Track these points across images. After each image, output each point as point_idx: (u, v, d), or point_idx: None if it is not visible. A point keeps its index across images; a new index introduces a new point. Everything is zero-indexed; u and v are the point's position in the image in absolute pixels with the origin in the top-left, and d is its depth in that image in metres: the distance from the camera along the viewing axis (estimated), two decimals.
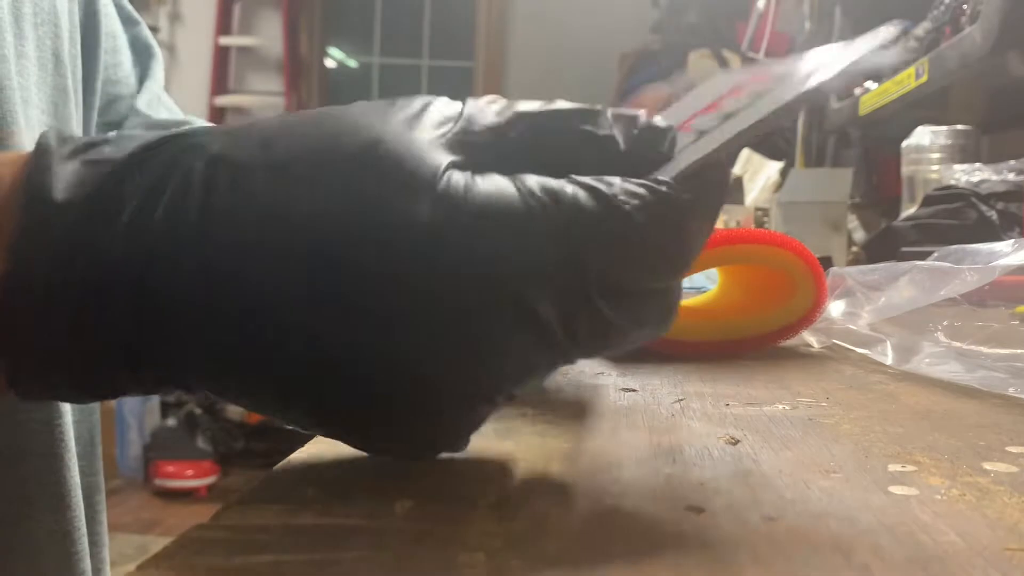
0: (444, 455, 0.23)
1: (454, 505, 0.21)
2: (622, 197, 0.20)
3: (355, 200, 0.20)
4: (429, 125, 0.21)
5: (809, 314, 0.45)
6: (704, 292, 0.52)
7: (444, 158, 0.20)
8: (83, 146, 0.22)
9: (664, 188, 0.21)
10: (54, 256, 0.21)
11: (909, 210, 1.24)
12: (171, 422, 2.86)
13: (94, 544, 0.44)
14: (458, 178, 0.20)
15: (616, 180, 0.21)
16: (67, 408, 0.39)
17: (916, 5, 1.52)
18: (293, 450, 0.25)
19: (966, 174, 1.13)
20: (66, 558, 0.39)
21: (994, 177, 1.09)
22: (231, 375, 0.21)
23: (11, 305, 0.21)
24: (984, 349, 0.40)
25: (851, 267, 0.49)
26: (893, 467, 0.24)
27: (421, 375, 0.20)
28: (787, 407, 0.31)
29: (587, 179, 0.21)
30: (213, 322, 0.20)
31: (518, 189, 0.20)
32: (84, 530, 0.41)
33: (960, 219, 1.03)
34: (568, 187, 0.20)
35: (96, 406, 0.45)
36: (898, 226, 1.11)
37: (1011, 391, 0.33)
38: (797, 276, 0.44)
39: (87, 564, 0.41)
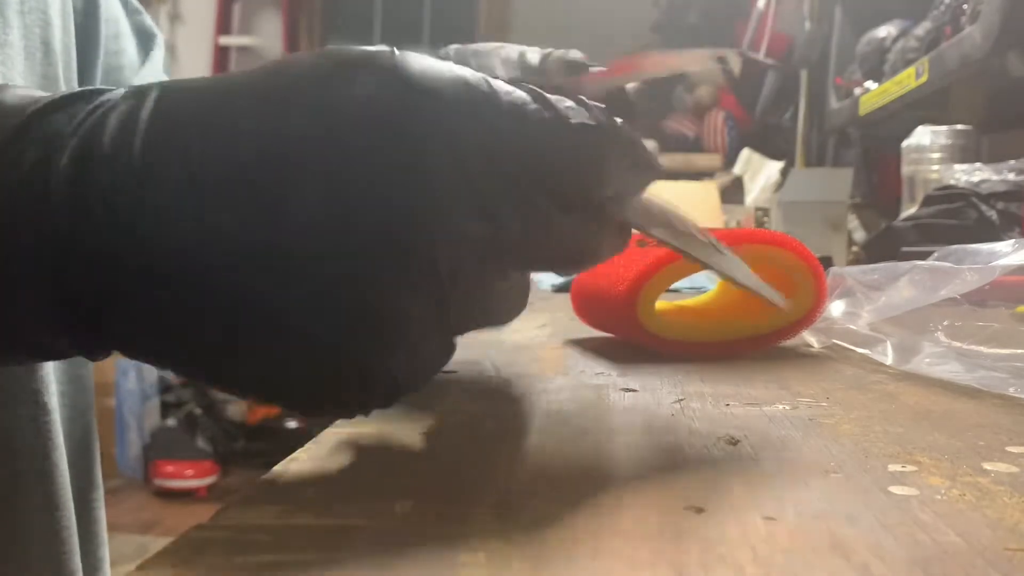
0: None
1: (454, 505, 0.21)
2: (564, 106, 0.22)
3: (296, 79, 0.20)
4: None
5: (809, 314, 0.45)
6: (704, 292, 0.52)
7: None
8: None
9: (597, 109, 0.23)
10: None
11: (909, 210, 1.24)
12: (171, 422, 2.86)
13: (91, 543, 0.44)
14: (399, 53, 0.21)
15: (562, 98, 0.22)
16: (55, 405, 0.39)
17: (916, 5, 1.52)
18: (293, 450, 0.25)
19: (966, 174, 1.13)
20: (56, 557, 0.39)
21: (994, 177, 1.09)
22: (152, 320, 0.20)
23: None
24: (984, 349, 0.40)
25: (851, 267, 0.49)
26: (893, 467, 0.24)
27: (362, 236, 0.20)
28: (787, 407, 0.31)
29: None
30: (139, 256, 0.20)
31: (458, 72, 0.21)
32: (74, 529, 0.40)
33: (960, 219, 1.03)
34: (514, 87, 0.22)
35: (91, 405, 0.44)
36: (898, 226, 1.11)
37: (1011, 391, 0.33)
38: (797, 276, 0.44)
39: (77, 563, 0.41)
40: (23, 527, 0.38)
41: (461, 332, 0.23)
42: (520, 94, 0.22)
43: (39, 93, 0.22)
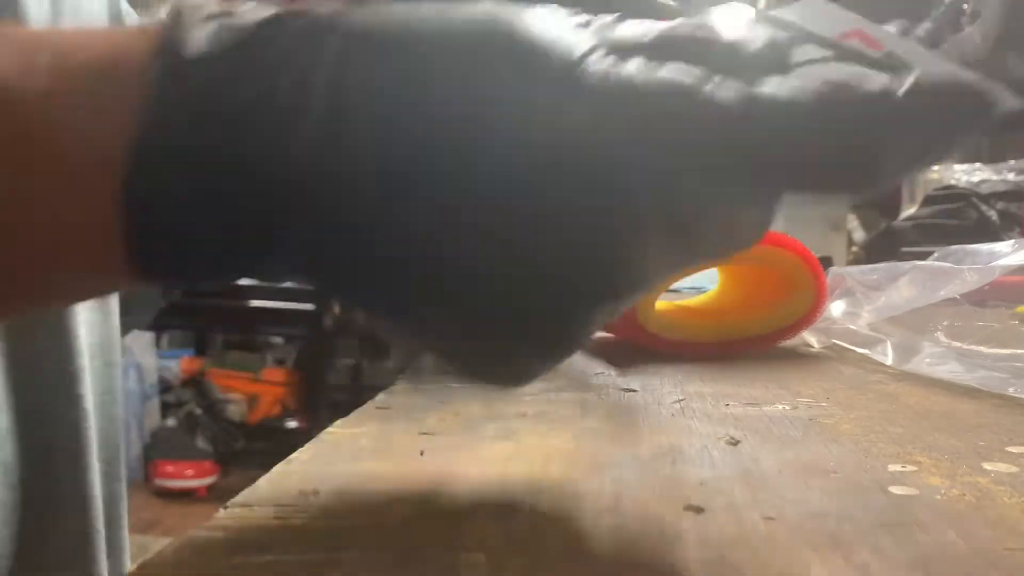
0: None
1: (454, 505, 0.21)
2: (788, 93, 0.18)
3: (494, 80, 0.19)
4: (560, 15, 0.21)
5: (809, 314, 0.45)
6: (704, 292, 0.52)
7: (584, 40, 0.20)
8: (217, 12, 0.21)
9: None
10: (191, 113, 0.20)
11: (909, 210, 1.24)
12: (171, 422, 2.86)
13: (115, 548, 0.44)
14: (604, 60, 0.19)
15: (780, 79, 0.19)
16: (91, 411, 0.39)
17: (916, 5, 1.52)
18: (293, 450, 0.25)
19: (966, 174, 1.13)
20: (86, 562, 0.39)
21: (994, 177, 1.09)
22: (352, 263, 0.20)
23: (145, 169, 0.20)
24: (984, 349, 0.40)
25: (851, 267, 0.49)
26: (893, 467, 0.24)
27: (561, 265, 0.19)
28: (787, 407, 0.31)
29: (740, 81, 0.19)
30: (335, 200, 0.20)
31: (662, 75, 0.19)
32: (103, 533, 0.41)
33: (960, 219, 1.03)
34: (714, 80, 0.19)
35: (119, 412, 0.45)
36: (898, 226, 1.11)
37: (1011, 391, 0.33)
38: (797, 276, 0.44)
39: (104, 568, 0.41)
40: (57, 530, 0.38)
41: None
42: (716, 85, 0.19)
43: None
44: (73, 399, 0.38)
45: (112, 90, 0.20)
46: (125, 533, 0.46)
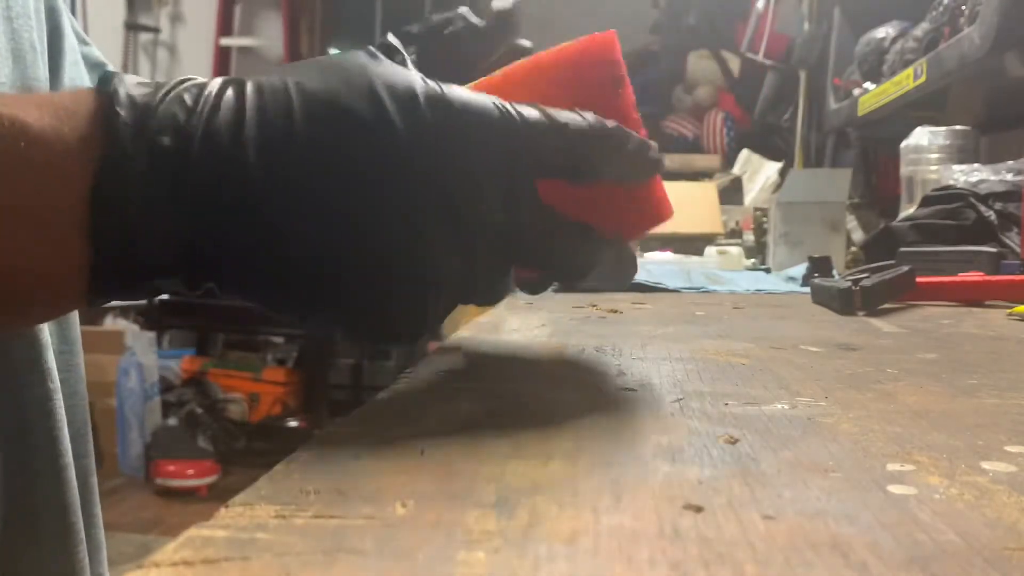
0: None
1: (454, 505, 0.21)
2: (565, 120, 0.29)
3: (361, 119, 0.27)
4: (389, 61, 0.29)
5: None
6: (702, 291, 0.52)
7: (415, 74, 0.28)
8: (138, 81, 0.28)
9: (600, 122, 0.30)
10: (146, 143, 0.26)
11: (908, 210, 1.24)
12: (172, 421, 2.86)
13: (90, 517, 0.44)
14: (434, 87, 0.28)
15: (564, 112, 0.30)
16: (58, 389, 0.39)
17: (915, 6, 1.52)
18: (294, 450, 0.25)
19: (964, 174, 1.13)
20: (65, 535, 0.40)
21: (992, 177, 1.09)
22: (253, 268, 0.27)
23: (106, 194, 0.26)
24: None
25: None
26: (892, 466, 0.24)
27: (415, 238, 0.27)
28: (786, 406, 0.32)
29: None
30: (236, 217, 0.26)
31: (490, 100, 0.28)
32: (82, 529, 0.41)
33: (958, 219, 1.03)
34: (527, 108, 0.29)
35: (83, 388, 0.45)
36: (897, 226, 1.11)
37: None
38: None
39: (84, 551, 0.41)
40: (36, 502, 0.38)
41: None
42: (534, 112, 0.29)
43: (146, 86, 0.28)
44: (42, 374, 0.39)
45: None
46: (98, 509, 0.46)
